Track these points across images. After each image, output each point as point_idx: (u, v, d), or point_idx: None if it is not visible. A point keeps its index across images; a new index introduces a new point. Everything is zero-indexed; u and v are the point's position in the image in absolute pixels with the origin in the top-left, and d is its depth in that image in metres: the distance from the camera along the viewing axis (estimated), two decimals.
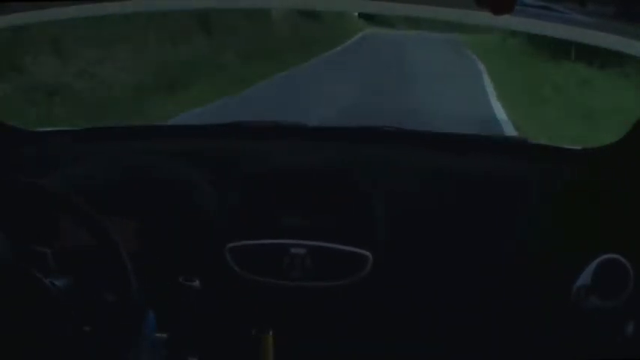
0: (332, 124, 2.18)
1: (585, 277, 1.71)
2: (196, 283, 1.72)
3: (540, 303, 1.76)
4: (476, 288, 1.78)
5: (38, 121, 6.48)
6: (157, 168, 1.88)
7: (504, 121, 8.67)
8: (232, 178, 1.84)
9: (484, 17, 1.19)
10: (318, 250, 1.75)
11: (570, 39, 1.42)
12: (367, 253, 1.74)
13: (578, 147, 2.01)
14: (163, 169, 1.87)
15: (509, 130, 7.83)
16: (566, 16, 1.26)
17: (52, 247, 1.53)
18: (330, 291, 1.75)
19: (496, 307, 1.79)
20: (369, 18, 22.25)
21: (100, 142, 2.00)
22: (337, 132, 2.13)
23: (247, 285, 1.76)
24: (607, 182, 1.81)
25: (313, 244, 1.75)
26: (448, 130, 2.58)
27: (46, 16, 1.53)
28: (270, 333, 1.50)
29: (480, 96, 11.00)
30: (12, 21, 1.57)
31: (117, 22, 9.31)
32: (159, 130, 2.09)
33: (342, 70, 12.98)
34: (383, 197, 1.81)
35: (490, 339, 1.80)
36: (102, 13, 1.68)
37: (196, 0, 1.85)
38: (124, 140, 2.03)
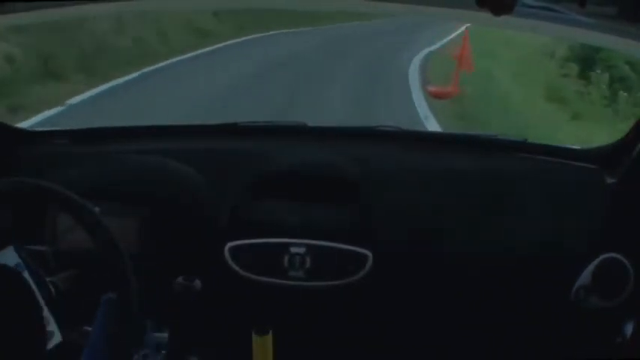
0: (332, 125, 2.18)
1: (585, 277, 1.71)
2: (196, 283, 1.73)
3: (541, 303, 1.76)
4: (476, 288, 1.79)
5: None
6: (157, 168, 1.88)
7: None
8: (232, 178, 1.84)
9: (484, 17, 1.19)
10: (318, 250, 1.75)
11: (570, 39, 1.42)
12: (367, 253, 1.74)
13: (578, 147, 2.01)
14: (163, 170, 1.87)
15: None
16: (566, 16, 1.26)
17: (52, 247, 1.53)
18: (330, 290, 1.75)
19: (496, 306, 1.79)
20: None
21: (100, 142, 2.00)
22: (337, 132, 2.13)
23: (247, 285, 1.76)
24: (607, 182, 1.81)
25: (313, 243, 1.75)
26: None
27: (47, 16, 1.52)
28: (270, 333, 1.49)
29: None
30: (12, 21, 1.57)
31: None
32: (159, 130, 2.09)
33: None
34: (383, 197, 1.81)
35: (490, 338, 1.81)
36: (102, 13, 1.68)
37: (197, 0, 1.85)
38: (124, 140, 2.03)
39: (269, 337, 1.47)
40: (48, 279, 1.39)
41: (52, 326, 1.34)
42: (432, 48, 12.98)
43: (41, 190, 1.40)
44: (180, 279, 1.73)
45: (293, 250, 1.74)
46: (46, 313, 1.34)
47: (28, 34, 7.83)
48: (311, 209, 1.81)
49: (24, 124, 4.28)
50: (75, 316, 1.39)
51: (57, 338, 1.34)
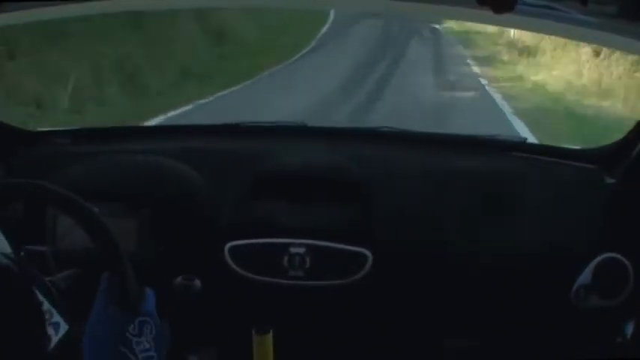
0: (332, 125, 2.18)
1: (585, 276, 1.71)
2: (196, 283, 1.72)
3: (541, 303, 1.76)
4: (476, 288, 1.78)
5: None
6: (157, 168, 1.88)
7: None
8: (232, 178, 1.84)
9: (485, 16, 1.19)
10: (318, 250, 1.74)
11: (571, 38, 1.42)
12: (367, 253, 1.74)
13: (578, 147, 2.01)
14: (163, 170, 1.87)
15: None
16: (567, 15, 1.26)
17: (51, 247, 1.53)
18: (330, 290, 1.75)
19: (496, 306, 1.79)
20: None
21: (100, 143, 2.00)
22: (337, 132, 2.13)
23: (247, 284, 1.76)
24: (607, 182, 1.81)
25: (313, 243, 1.74)
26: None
27: (47, 15, 1.52)
28: (270, 332, 1.49)
29: None
30: (12, 21, 1.57)
31: None
32: (159, 130, 2.09)
33: None
34: (383, 197, 1.81)
35: (490, 338, 1.80)
36: (102, 12, 1.68)
37: (196, 0, 1.85)
38: (124, 140, 2.03)
39: (269, 337, 1.46)
40: (47, 279, 1.39)
41: (56, 317, 1.33)
42: None
43: (41, 190, 1.39)
44: (180, 279, 1.73)
45: (293, 250, 1.74)
46: (46, 306, 1.33)
47: None
48: (311, 209, 1.81)
49: None
50: (74, 317, 1.39)
51: (63, 328, 1.33)
